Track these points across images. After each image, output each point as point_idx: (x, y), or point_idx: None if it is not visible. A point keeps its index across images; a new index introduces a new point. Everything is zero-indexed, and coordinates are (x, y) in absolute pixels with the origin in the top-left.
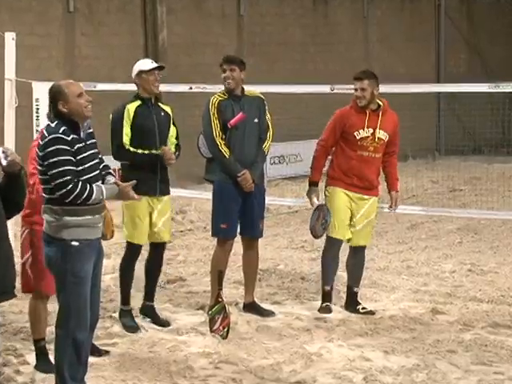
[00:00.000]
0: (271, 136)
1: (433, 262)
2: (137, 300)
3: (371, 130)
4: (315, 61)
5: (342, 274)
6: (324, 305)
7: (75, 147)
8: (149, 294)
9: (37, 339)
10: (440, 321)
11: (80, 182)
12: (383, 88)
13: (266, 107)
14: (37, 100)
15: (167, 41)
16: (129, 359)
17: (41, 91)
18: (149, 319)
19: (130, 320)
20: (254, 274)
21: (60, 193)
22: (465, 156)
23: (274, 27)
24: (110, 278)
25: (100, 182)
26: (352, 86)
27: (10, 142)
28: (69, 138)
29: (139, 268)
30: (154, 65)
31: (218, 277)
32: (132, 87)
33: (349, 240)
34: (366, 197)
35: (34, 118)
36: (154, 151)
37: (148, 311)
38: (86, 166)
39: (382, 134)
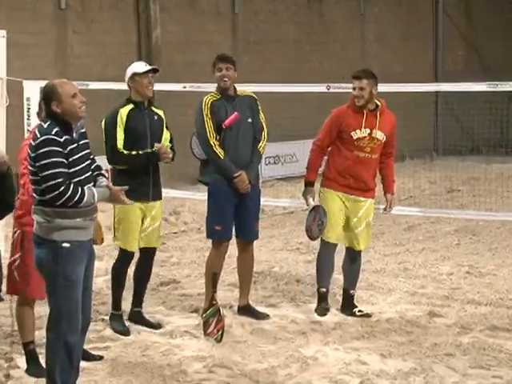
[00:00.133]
0: (266, 136)
1: (430, 264)
2: (128, 303)
3: (368, 131)
4: (310, 59)
5: (338, 277)
6: (321, 306)
7: (68, 149)
8: (136, 300)
9: (25, 342)
10: (437, 324)
11: (72, 185)
12: (380, 87)
13: (259, 107)
14: (28, 99)
15: (161, 39)
16: (121, 363)
17: (32, 90)
18: (139, 325)
19: (121, 325)
20: (249, 277)
21: (51, 195)
22: (463, 156)
23: (269, 25)
24: (102, 280)
25: (92, 183)
26: (348, 85)
27: (0, 141)
28: (61, 140)
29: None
30: (148, 67)
31: (212, 279)
32: (125, 86)
33: (349, 244)
34: (362, 199)
35: (25, 117)
36: (148, 150)
37: (136, 317)
38: (78, 167)
39: (379, 135)
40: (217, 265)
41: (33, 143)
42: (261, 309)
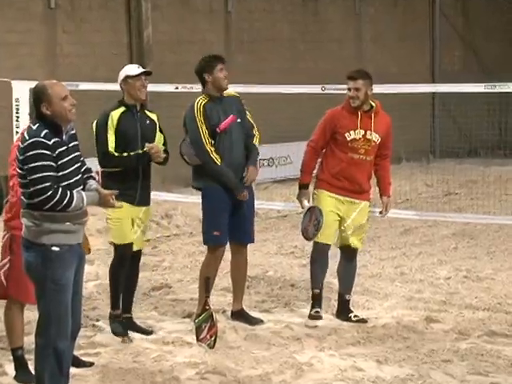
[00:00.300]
0: (258, 132)
1: (427, 269)
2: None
3: (363, 132)
4: (305, 59)
5: (333, 282)
6: (313, 311)
7: (57, 151)
8: (125, 306)
9: (14, 348)
10: (435, 329)
11: (60, 189)
12: (376, 88)
13: (244, 106)
14: (17, 100)
15: (152, 38)
16: (112, 369)
17: (21, 91)
18: (130, 331)
19: (119, 325)
20: (243, 281)
21: (39, 199)
22: (460, 158)
23: (263, 24)
24: (93, 285)
25: (81, 186)
26: (344, 86)
27: None
28: (50, 143)
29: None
30: (141, 70)
31: (204, 283)
32: (115, 87)
33: (341, 244)
34: (356, 201)
35: (14, 118)
36: (139, 151)
37: (126, 323)
38: (68, 171)
39: (373, 136)
40: (212, 269)
41: (21, 145)
42: (255, 314)
